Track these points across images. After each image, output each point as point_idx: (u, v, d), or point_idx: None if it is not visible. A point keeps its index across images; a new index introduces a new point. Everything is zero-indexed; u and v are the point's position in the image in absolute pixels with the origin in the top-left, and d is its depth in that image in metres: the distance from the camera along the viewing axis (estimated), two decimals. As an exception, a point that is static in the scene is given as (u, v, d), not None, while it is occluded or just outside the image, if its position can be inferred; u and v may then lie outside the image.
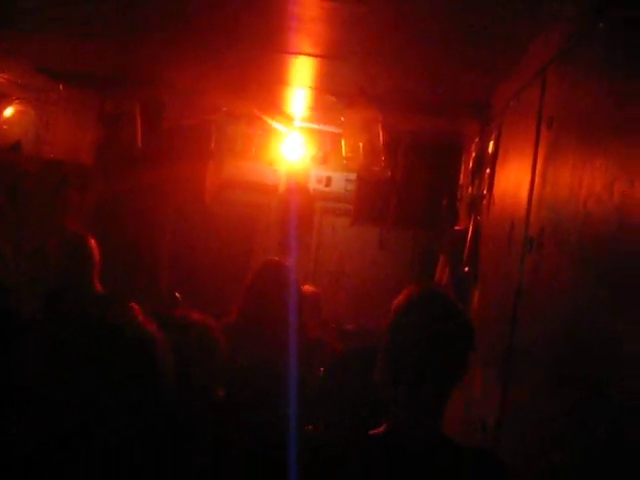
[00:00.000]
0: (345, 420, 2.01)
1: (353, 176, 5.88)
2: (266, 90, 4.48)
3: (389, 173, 5.24)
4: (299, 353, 3.09)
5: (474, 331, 1.74)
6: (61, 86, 4.56)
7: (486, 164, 3.54)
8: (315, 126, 5.77)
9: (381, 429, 1.72)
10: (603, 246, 1.58)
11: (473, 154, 4.12)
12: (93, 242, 3.82)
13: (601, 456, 1.46)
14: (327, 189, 6.32)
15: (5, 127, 3.99)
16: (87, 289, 3.76)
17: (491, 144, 3.45)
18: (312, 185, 6.29)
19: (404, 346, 1.69)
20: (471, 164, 4.14)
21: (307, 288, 4.26)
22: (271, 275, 3.26)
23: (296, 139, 5.89)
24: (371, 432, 1.73)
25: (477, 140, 4.10)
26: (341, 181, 6.25)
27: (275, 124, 5.38)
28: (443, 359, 1.67)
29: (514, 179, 2.81)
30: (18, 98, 4.07)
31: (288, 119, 5.45)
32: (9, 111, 3.99)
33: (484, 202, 3.47)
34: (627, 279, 1.43)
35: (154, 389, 1.44)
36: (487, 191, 3.41)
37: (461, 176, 4.91)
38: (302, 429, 2.65)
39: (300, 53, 3.34)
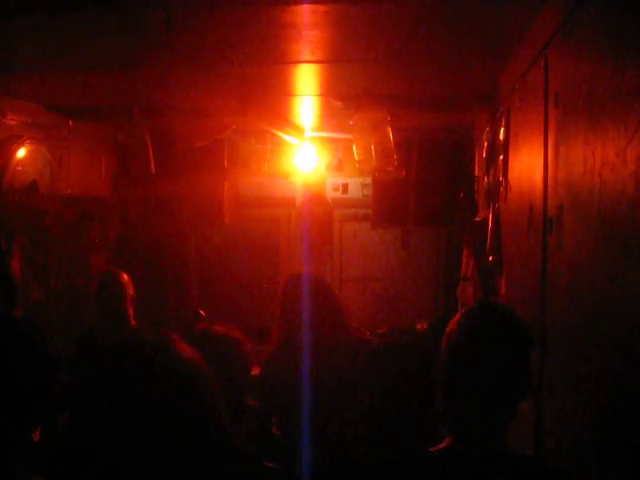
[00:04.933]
0: (374, 411, 1.98)
1: (369, 180, 5.88)
2: (273, 103, 4.50)
3: (403, 172, 5.22)
4: (346, 354, 3.06)
5: (533, 341, 1.68)
6: (70, 122, 4.62)
7: (499, 151, 3.52)
8: (326, 134, 5.77)
9: (443, 445, 1.68)
10: (622, 213, 1.55)
11: (485, 143, 4.10)
12: (126, 277, 3.93)
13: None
14: (345, 196, 6.31)
15: (19, 168, 4.03)
16: (123, 325, 3.84)
17: (502, 130, 3.43)
18: (329, 193, 6.29)
19: (462, 359, 1.64)
20: (484, 154, 4.12)
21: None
22: (297, 287, 3.25)
23: (308, 149, 5.89)
24: (433, 449, 1.69)
25: (487, 129, 4.08)
26: (358, 186, 6.24)
27: (286, 137, 5.39)
28: (503, 370, 1.61)
29: (527, 161, 2.78)
30: (30, 138, 4.12)
31: (298, 130, 5.45)
32: (22, 152, 4.04)
33: (501, 189, 3.44)
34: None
35: (202, 424, 1.41)
36: (502, 178, 3.38)
37: (476, 167, 4.88)
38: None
39: (301, 61, 3.34)
